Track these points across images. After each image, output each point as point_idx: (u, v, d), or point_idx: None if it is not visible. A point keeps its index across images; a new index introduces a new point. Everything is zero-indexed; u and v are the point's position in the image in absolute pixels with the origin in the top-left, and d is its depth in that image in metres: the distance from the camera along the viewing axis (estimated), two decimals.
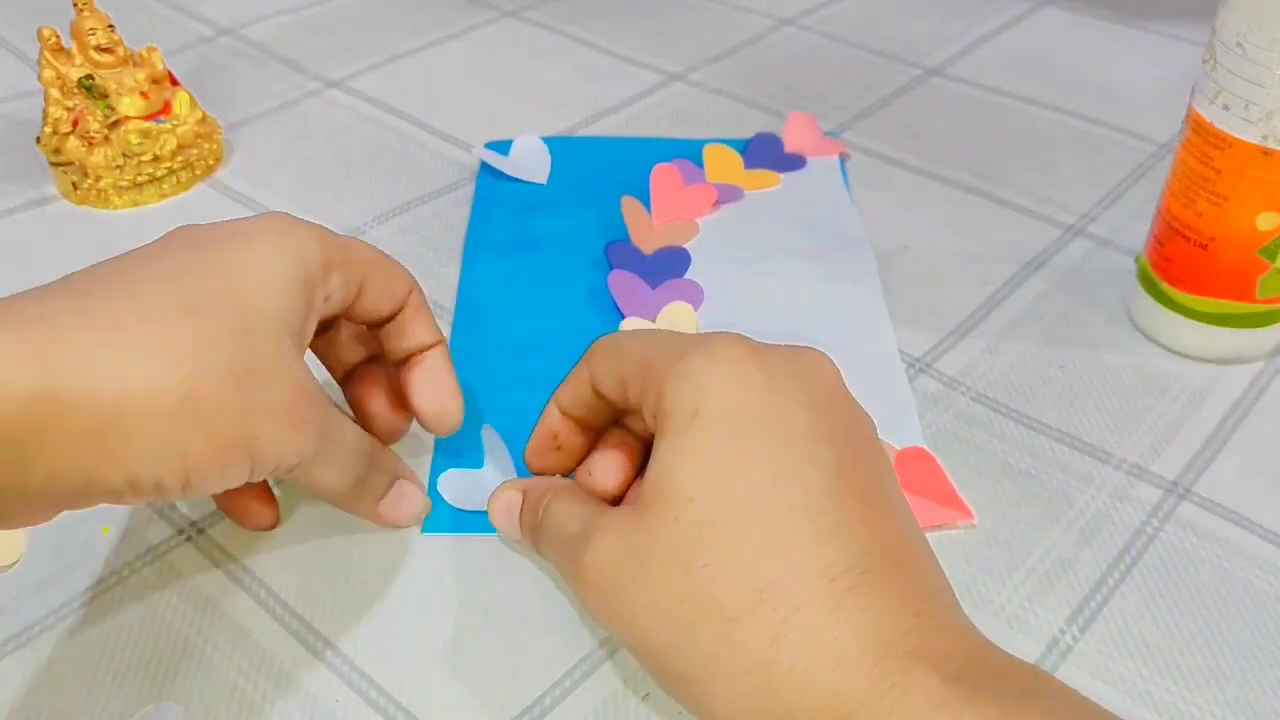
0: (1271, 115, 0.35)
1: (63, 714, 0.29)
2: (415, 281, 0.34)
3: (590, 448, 0.33)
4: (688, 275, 0.45)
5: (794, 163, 0.53)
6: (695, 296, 0.44)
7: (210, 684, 0.30)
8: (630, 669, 0.30)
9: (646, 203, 0.49)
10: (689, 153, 0.53)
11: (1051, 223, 0.49)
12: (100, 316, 0.25)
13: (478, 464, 0.36)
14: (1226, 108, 0.36)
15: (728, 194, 0.50)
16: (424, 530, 0.34)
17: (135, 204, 0.51)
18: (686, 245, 0.47)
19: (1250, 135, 0.36)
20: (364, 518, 0.33)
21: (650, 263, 0.46)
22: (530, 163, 0.52)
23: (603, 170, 0.52)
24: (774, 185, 0.51)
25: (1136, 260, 0.43)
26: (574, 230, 0.48)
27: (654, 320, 0.42)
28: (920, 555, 0.26)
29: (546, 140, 0.54)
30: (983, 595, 0.32)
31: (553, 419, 0.33)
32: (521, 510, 0.31)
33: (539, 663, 0.30)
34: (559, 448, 0.33)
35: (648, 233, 0.47)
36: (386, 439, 0.35)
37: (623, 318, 0.42)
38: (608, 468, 0.32)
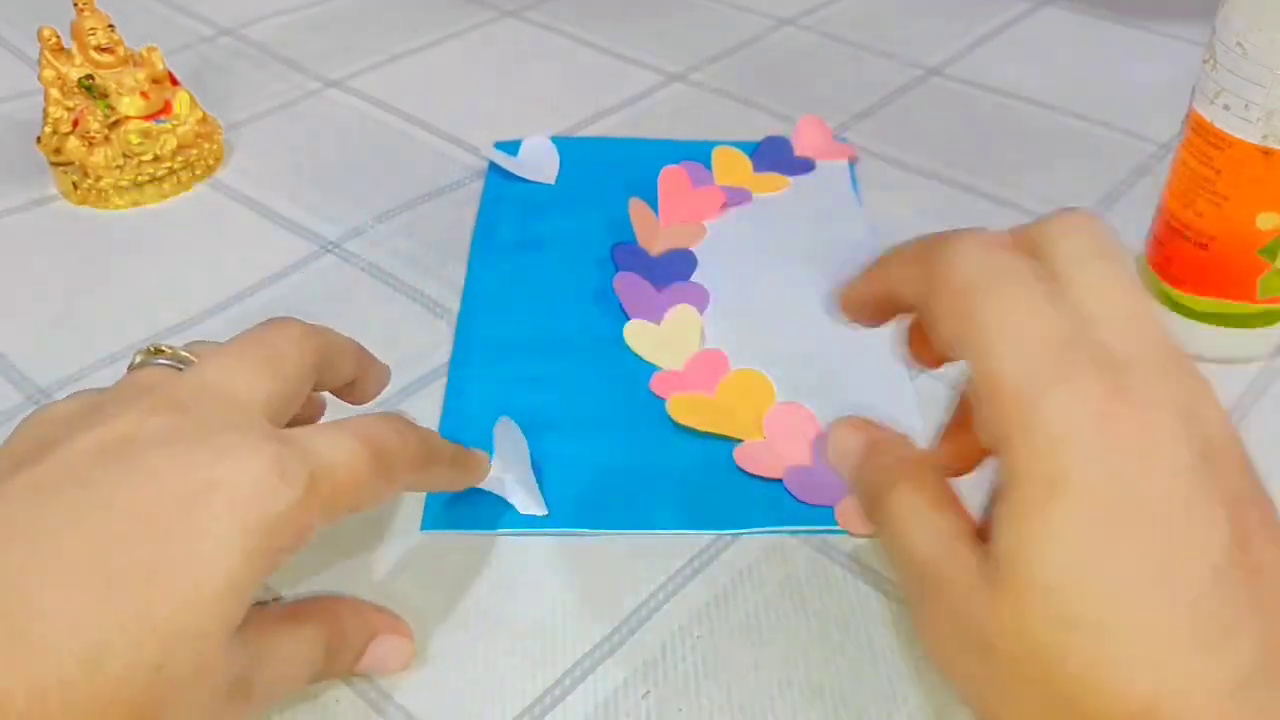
0: (1271, 115, 0.35)
1: None
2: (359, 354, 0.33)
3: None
4: (694, 278, 0.45)
5: (803, 166, 0.52)
6: (701, 299, 0.44)
7: None
8: (630, 668, 0.30)
9: (654, 204, 0.49)
10: (698, 155, 0.53)
11: None
12: None
13: None
14: (1226, 108, 0.36)
15: (736, 196, 0.50)
16: (423, 527, 0.34)
17: (135, 204, 0.50)
18: (693, 248, 0.47)
19: (1250, 135, 0.36)
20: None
21: (657, 265, 0.46)
22: (539, 163, 0.52)
23: (611, 171, 0.52)
24: (783, 189, 0.51)
25: (1136, 260, 0.43)
26: (581, 231, 0.48)
27: (659, 323, 0.42)
28: None
29: (555, 140, 0.54)
30: None
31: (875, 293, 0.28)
32: (861, 469, 0.28)
33: (539, 663, 0.30)
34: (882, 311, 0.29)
35: (654, 234, 0.47)
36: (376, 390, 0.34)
37: (628, 319, 0.42)
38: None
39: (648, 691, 0.30)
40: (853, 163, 0.53)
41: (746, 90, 0.60)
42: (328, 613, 0.29)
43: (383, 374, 0.34)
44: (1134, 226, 0.48)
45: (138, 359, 0.29)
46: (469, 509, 0.34)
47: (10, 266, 0.47)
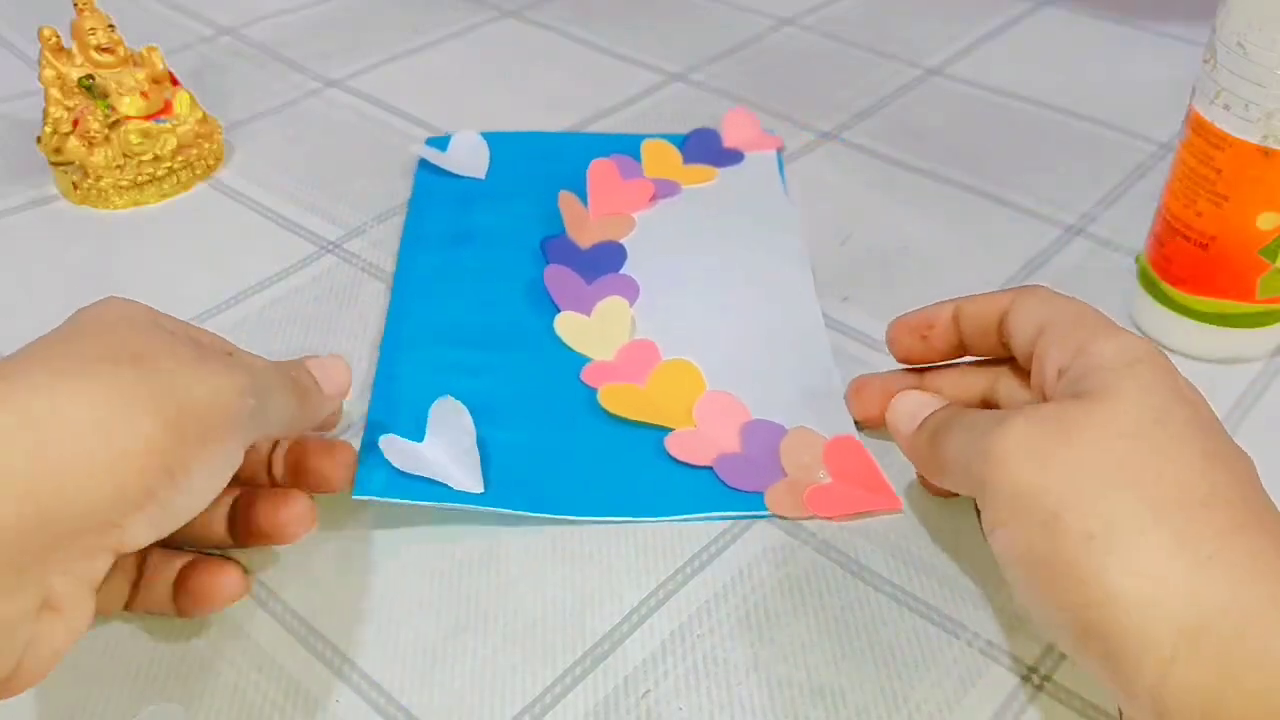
0: (1271, 115, 0.35)
1: (64, 714, 0.29)
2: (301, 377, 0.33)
3: (938, 359, 0.35)
4: (624, 270, 0.45)
5: (731, 158, 0.53)
6: (630, 291, 0.44)
7: (211, 684, 0.30)
8: (630, 668, 0.30)
9: (584, 198, 0.49)
10: (628, 148, 0.53)
11: (1052, 222, 0.49)
12: None
13: (417, 439, 0.36)
14: (1227, 108, 0.36)
15: (665, 189, 0.50)
16: (355, 493, 0.33)
17: (135, 204, 0.50)
18: (623, 240, 0.47)
19: (1250, 135, 0.36)
20: (311, 420, 0.33)
21: (586, 257, 0.46)
22: (468, 158, 0.52)
23: (541, 165, 0.52)
24: (710, 180, 0.51)
25: (1137, 260, 0.43)
26: (511, 224, 0.48)
27: (589, 315, 0.42)
28: None
29: (485, 135, 0.54)
30: (983, 595, 0.32)
31: (945, 314, 0.34)
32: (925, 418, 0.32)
33: (538, 662, 0.30)
34: (925, 338, 0.34)
35: (584, 227, 0.47)
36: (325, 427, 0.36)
37: (558, 311, 0.42)
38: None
39: (648, 691, 0.30)
40: (780, 153, 0.53)
41: (746, 90, 0.60)
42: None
43: (328, 402, 0.34)
44: (1134, 226, 0.48)
45: None
46: (405, 480, 0.34)
47: (10, 266, 0.47)
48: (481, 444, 0.36)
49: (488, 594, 0.32)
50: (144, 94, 0.50)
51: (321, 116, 0.57)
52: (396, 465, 0.34)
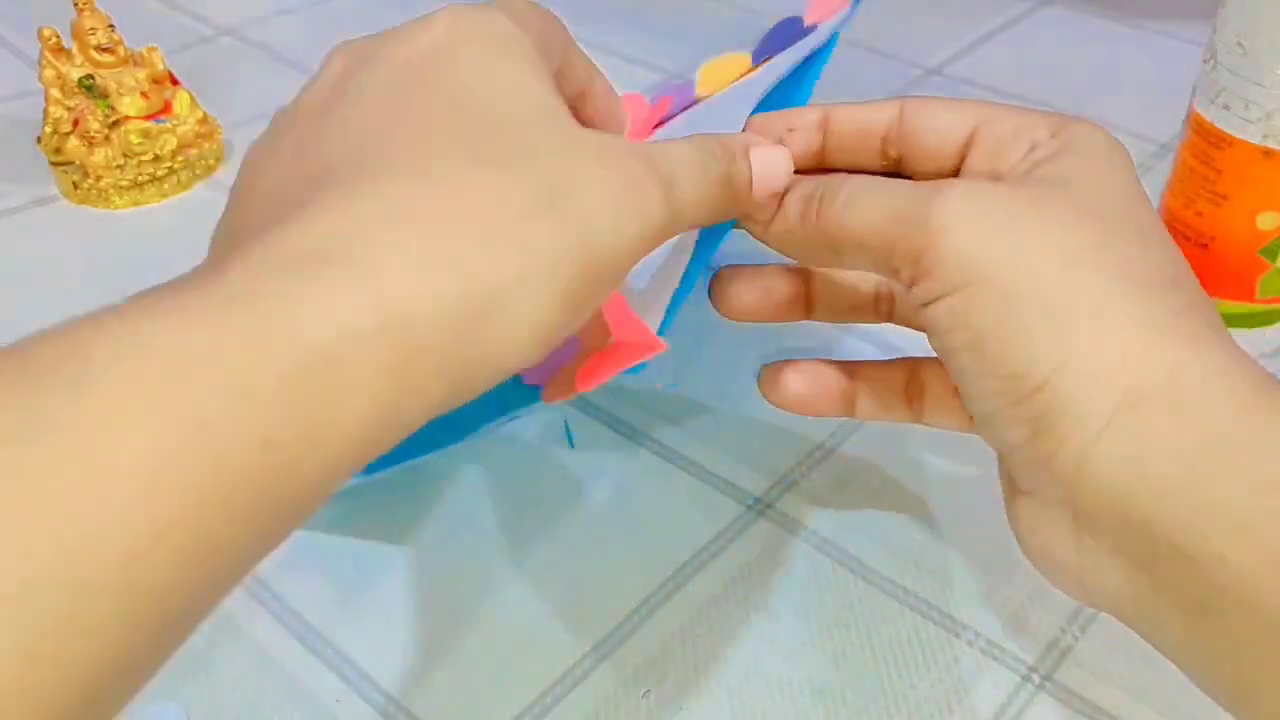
0: (1271, 115, 0.35)
1: None
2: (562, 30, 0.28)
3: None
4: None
5: (800, 36, 0.41)
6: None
7: (211, 684, 0.30)
8: (630, 668, 0.30)
9: None
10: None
11: None
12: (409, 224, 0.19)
13: None
14: (1227, 108, 0.36)
15: (682, 102, 0.41)
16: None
17: (136, 204, 0.50)
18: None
19: (1250, 135, 0.36)
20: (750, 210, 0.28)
21: None
22: None
23: None
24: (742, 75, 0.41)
25: None
26: None
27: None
28: None
29: None
30: (983, 594, 0.32)
31: (810, 116, 0.30)
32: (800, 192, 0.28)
33: (539, 662, 0.30)
34: (782, 141, 0.29)
35: None
36: None
37: None
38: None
39: (648, 691, 0.30)
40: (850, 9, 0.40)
41: None
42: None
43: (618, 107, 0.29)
44: None
45: None
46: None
47: (10, 266, 0.47)
48: None
49: (488, 594, 0.32)
50: (144, 94, 0.50)
51: None
52: None
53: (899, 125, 0.29)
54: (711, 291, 0.31)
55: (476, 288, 0.19)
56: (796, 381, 0.30)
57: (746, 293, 0.31)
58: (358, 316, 0.17)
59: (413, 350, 0.18)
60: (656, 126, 0.41)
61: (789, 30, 0.41)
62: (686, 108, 0.41)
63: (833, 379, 0.30)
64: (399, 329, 0.18)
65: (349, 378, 0.17)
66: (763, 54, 0.41)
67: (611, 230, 0.21)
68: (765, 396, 0.31)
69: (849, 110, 0.30)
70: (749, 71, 0.41)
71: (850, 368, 0.31)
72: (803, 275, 0.31)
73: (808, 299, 0.31)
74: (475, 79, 0.22)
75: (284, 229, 0.19)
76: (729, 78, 0.41)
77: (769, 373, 0.31)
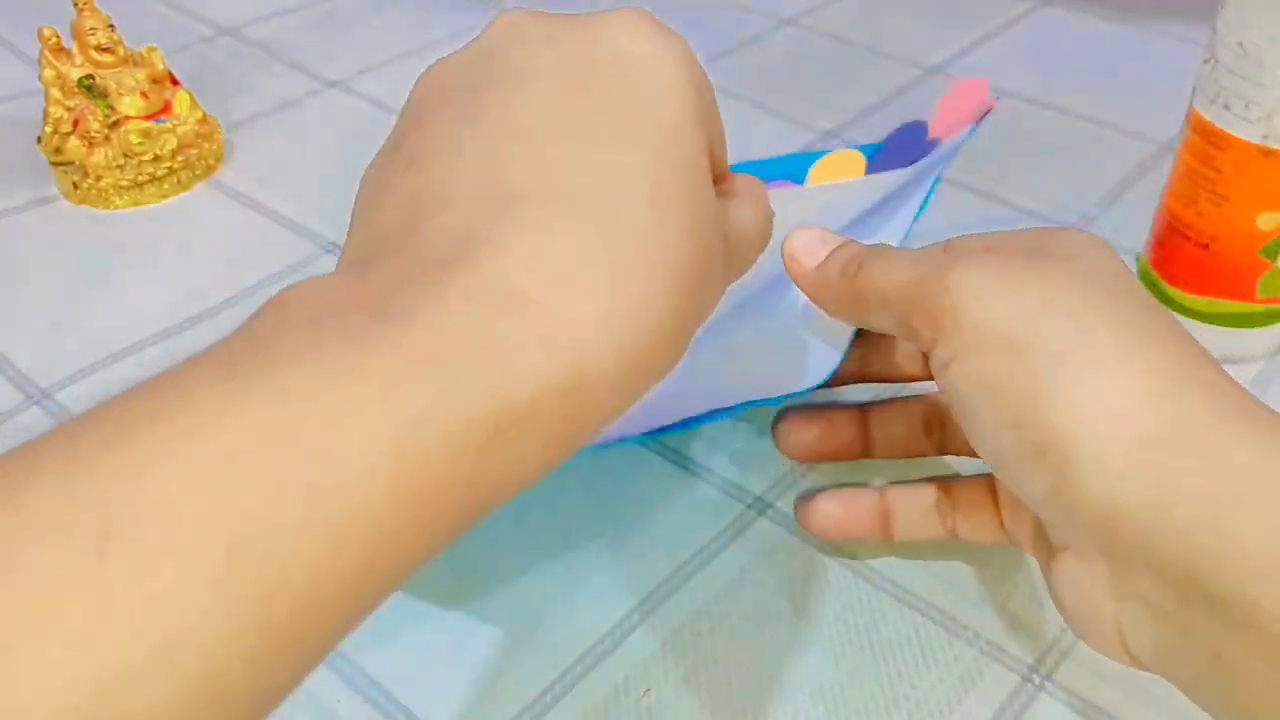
0: (1271, 115, 0.35)
1: None
2: None
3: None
4: None
5: (924, 150, 0.40)
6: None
7: None
8: (630, 668, 0.30)
9: None
10: (796, 171, 0.42)
11: (1052, 222, 0.49)
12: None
13: None
14: (1227, 107, 0.36)
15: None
16: None
17: (136, 204, 0.50)
18: None
19: (1250, 135, 0.36)
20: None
21: None
22: None
23: None
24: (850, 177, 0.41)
25: (1137, 260, 0.43)
26: None
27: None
28: None
29: None
30: (983, 594, 0.32)
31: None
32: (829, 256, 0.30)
33: (539, 662, 0.30)
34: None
35: None
36: None
37: None
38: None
39: (648, 691, 0.30)
40: (980, 121, 0.40)
41: (747, 90, 0.60)
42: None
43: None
44: (1134, 226, 0.48)
45: None
46: None
47: (10, 266, 0.47)
48: None
49: (488, 593, 0.32)
50: (144, 94, 0.50)
51: (321, 116, 0.57)
52: None
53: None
54: (774, 432, 0.34)
55: (660, 339, 0.20)
56: (831, 504, 0.33)
57: (806, 433, 0.34)
58: (552, 372, 0.18)
59: (591, 404, 0.19)
60: None
61: (912, 135, 0.42)
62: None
63: (867, 501, 0.33)
64: (590, 388, 0.19)
65: (538, 428, 0.18)
66: (882, 157, 0.42)
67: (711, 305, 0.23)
68: (799, 523, 0.33)
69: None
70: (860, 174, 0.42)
71: (883, 492, 0.33)
72: (860, 418, 0.34)
73: (865, 441, 0.34)
74: (647, 87, 0.22)
75: (476, 257, 0.19)
76: (839, 175, 0.42)
77: (804, 503, 0.33)
